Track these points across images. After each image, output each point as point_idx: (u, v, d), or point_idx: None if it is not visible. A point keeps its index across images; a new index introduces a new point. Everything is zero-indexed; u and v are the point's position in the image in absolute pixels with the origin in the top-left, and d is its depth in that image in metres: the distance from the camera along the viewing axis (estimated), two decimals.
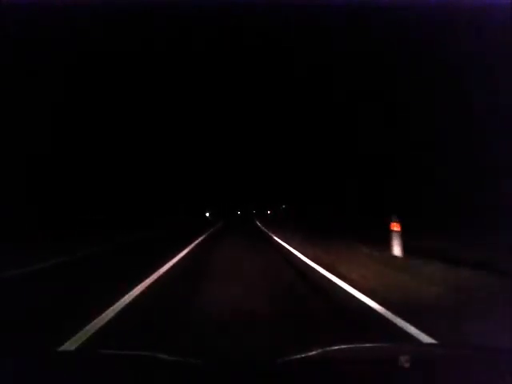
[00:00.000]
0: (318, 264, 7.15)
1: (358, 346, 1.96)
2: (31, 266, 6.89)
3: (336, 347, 1.78)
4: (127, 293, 4.74)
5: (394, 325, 3.51)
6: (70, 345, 3.00)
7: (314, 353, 1.64)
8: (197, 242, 12.63)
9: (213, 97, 72.04)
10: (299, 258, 8.35)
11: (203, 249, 10.61)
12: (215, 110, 75.33)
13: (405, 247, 7.83)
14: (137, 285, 5.19)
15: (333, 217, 26.88)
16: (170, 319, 3.77)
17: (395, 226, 7.93)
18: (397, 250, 7.84)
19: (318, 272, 6.43)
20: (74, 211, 19.45)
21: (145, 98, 34.52)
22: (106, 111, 24.87)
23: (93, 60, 22.72)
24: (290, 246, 10.89)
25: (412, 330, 3.33)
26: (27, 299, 4.72)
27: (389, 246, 8.05)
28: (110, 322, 3.67)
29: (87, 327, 3.42)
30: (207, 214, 57.19)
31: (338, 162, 31.16)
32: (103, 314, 3.85)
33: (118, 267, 7.35)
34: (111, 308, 4.09)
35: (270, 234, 17.06)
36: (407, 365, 1.52)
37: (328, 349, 1.72)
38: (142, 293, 4.84)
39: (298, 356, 1.60)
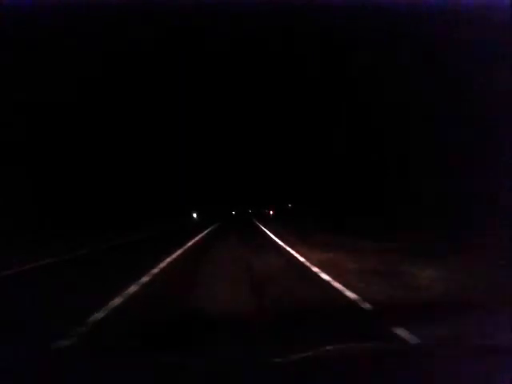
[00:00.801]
0: None
1: (356, 345, 1.96)
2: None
3: (333, 347, 1.78)
4: None
5: None
6: None
7: (311, 353, 1.64)
8: None
9: (209, 96, 71.97)
10: None
11: None
12: (211, 109, 75.27)
13: None
14: None
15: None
16: None
17: None
18: None
19: None
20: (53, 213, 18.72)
21: (140, 98, 34.44)
22: (100, 111, 24.83)
23: (92, 60, 22.73)
24: None
25: None
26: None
27: None
28: None
29: None
30: (194, 215, 45.98)
31: (338, 160, 31.15)
32: None
33: None
34: None
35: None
36: (405, 364, 1.52)
37: (326, 348, 1.72)
38: None
39: (297, 356, 1.60)
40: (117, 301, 4.78)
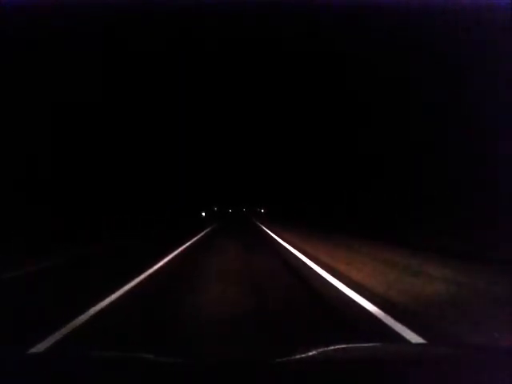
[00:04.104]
0: None
1: (355, 345, 1.96)
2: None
3: (333, 347, 1.78)
4: None
5: None
6: None
7: (311, 353, 1.63)
8: None
9: (208, 96, 71.78)
10: None
11: None
12: (211, 110, 75.06)
13: None
14: None
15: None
16: None
17: None
18: None
19: None
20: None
21: (140, 98, 34.32)
22: (99, 111, 24.75)
23: (92, 60, 22.72)
24: None
25: None
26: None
27: None
28: None
29: None
30: None
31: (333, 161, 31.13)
32: None
33: None
34: None
35: None
36: (405, 364, 1.51)
37: (326, 349, 1.72)
38: None
39: (297, 356, 1.60)
40: None
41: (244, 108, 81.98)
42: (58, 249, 10.73)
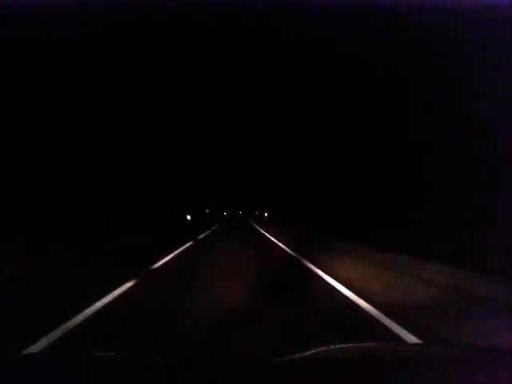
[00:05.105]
0: None
1: (355, 345, 1.96)
2: None
3: (333, 347, 1.78)
4: None
5: None
6: None
7: (312, 352, 1.63)
8: None
9: (209, 97, 71.68)
10: None
11: None
12: (211, 111, 74.87)
13: None
14: None
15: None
16: None
17: None
18: None
19: None
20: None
21: (139, 98, 34.24)
22: (99, 111, 24.71)
23: (92, 60, 22.70)
24: None
25: None
26: None
27: None
28: None
29: None
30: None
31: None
32: None
33: None
34: None
35: None
36: (405, 364, 1.51)
37: (326, 349, 1.72)
38: None
39: (297, 356, 1.60)
40: None
41: (244, 107, 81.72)
42: (57, 249, 10.76)
